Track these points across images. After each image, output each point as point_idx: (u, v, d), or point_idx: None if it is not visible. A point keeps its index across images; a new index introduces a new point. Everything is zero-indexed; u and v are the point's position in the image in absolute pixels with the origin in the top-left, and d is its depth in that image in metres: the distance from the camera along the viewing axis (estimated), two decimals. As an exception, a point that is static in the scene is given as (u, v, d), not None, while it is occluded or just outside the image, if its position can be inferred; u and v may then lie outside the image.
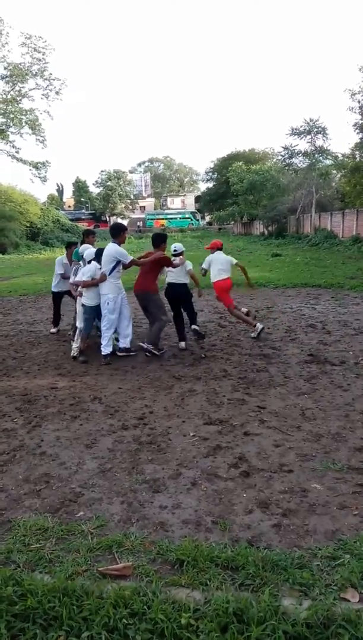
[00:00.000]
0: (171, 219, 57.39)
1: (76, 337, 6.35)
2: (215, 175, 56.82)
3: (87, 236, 7.29)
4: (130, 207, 65.84)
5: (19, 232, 33.34)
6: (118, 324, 6.16)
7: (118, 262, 5.98)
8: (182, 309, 6.64)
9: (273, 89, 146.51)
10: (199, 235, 47.50)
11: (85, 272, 6.07)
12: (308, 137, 30.61)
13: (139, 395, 4.78)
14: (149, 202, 72.80)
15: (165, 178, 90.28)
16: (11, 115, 30.61)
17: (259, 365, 5.60)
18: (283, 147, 32.39)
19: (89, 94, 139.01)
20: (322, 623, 1.87)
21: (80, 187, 67.33)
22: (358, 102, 23.14)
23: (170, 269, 6.42)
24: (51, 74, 30.94)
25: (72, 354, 6.25)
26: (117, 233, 6.21)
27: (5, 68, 30.02)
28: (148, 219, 58.14)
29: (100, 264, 6.05)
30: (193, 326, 6.74)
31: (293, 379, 5.06)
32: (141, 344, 6.18)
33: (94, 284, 6.00)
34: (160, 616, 1.90)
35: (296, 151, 31.65)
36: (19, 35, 39.83)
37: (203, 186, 68.81)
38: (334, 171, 31.87)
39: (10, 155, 31.95)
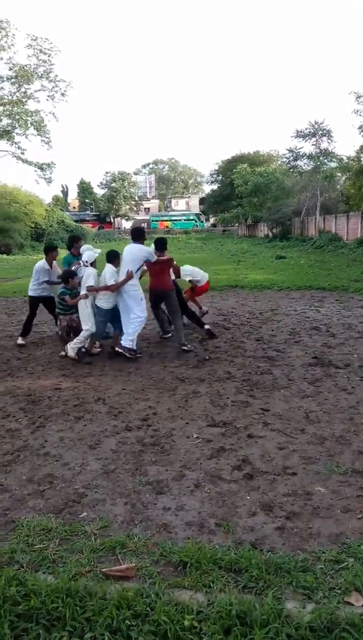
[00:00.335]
0: (176, 220, 57.34)
1: (76, 341, 6.22)
2: (220, 177, 56.86)
3: (77, 242, 7.04)
4: (134, 208, 65.82)
5: (23, 233, 33.53)
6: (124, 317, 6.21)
7: (143, 262, 6.21)
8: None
9: (278, 92, 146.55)
10: (203, 237, 47.56)
11: (88, 277, 6.02)
12: (313, 139, 30.54)
13: (143, 396, 4.78)
14: (153, 204, 72.73)
15: (170, 180, 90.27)
16: (17, 117, 30.83)
17: (263, 367, 5.59)
18: (287, 150, 32.36)
19: (94, 96, 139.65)
20: (325, 627, 1.87)
21: (85, 189, 67.43)
22: (364, 104, 23.08)
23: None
24: (56, 75, 31.16)
25: (62, 353, 6.33)
26: (141, 235, 6.47)
27: (11, 69, 30.24)
28: (153, 221, 58.10)
29: (116, 267, 6.12)
30: (206, 326, 7.20)
31: (297, 382, 5.05)
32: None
33: (122, 285, 5.98)
34: (163, 618, 1.90)
35: (301, 154, 31.58)
36: (25, 37, 40.04)
37: (207, 188, 68.93)
38: (339, 174, 31.75)
39: (15, 156, 32.22)
